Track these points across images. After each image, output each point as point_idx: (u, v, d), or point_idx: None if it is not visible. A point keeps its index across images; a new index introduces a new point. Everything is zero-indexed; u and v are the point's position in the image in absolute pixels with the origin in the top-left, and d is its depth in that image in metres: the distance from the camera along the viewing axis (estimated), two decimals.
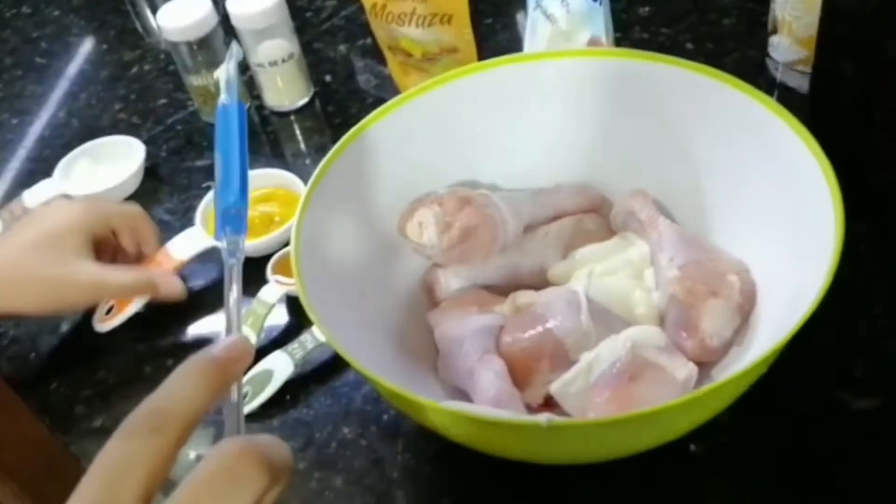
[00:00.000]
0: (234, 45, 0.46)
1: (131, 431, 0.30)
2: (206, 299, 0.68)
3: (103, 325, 0.66)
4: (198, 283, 0.69)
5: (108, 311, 0.66)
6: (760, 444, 0.52)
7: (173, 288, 0.64)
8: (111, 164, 0.81)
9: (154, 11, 1.06)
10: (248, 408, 0.59)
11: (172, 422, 0.31)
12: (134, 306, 0.65)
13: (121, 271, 0.63)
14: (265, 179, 0.73)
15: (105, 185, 0.77)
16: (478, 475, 0.53)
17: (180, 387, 0.32)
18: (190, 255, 0.68)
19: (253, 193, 0.68)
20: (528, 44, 0.69)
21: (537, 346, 0.51)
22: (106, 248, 0.64)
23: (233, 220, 0.40)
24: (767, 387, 0.46)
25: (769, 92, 0.75)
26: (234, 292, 0.38)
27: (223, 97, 0.43)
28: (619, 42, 0.83)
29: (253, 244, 0.67)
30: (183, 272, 0.67)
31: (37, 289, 0.60)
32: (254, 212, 0.69)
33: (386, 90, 0.83)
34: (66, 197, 0.69)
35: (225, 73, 0.44)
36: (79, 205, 0.64)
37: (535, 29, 0.69)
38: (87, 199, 0.65)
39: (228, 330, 0.37)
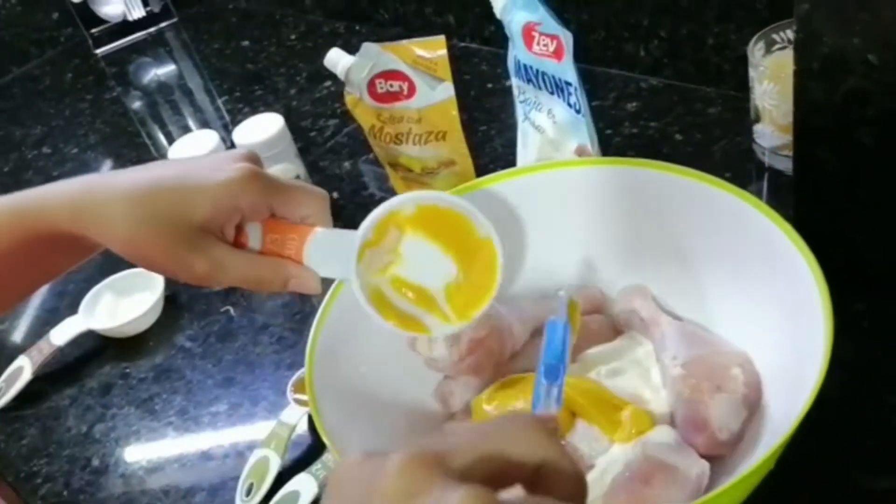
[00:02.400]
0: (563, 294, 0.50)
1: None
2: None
3: None
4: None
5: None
6: None
7: (307, 286, 0.51)
8: (133, 296, 0.84)
9: (169, 140, 1.12)
10: None
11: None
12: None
13: (249, 259, 0.51)
14: None
15: (127, 318, 0.80)
16: None
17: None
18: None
19: None
20: (521, 153, 0.73)
21: None
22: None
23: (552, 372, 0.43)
24: (784, 472, 0.47)
25: (758, 176, 0.78)
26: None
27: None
28: (609, 138, 0.87)
29: None
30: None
31: (150, 228, 0.49)
32: None
33: None
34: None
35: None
36: (239, 171, 0.50)
37: (525, 139, 0.72)
38: (246, 169, 0.50)
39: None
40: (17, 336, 0.87)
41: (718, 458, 0.52)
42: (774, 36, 0.74)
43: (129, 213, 0.49)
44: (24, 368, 0.79)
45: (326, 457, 0.62)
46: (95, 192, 0.51)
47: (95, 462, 0.71)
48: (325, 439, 0.48)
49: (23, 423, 0.76)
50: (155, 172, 0.52)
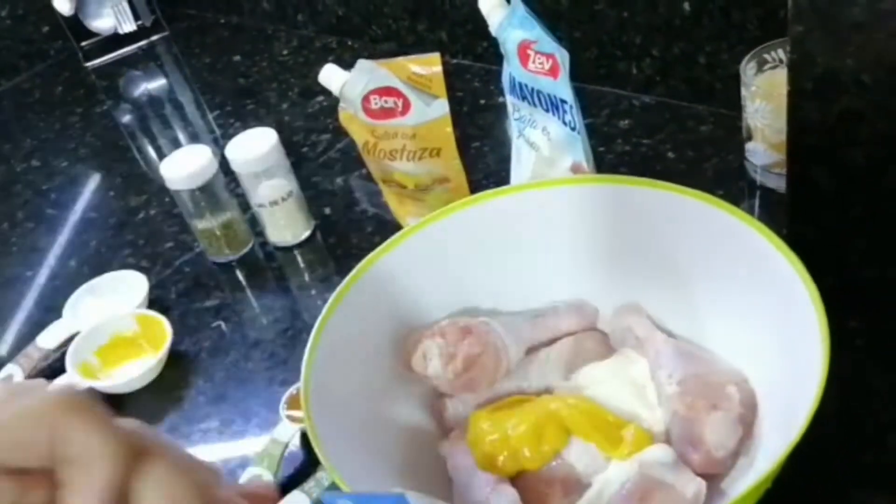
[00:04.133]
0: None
1: None
2: None
3: None
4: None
5: None
6: None
7: None
8: (115, 297, 0.84)
9: (159, 154, 1.12)
10: None
11: None
12: None
13: None
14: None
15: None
16: None
17: None
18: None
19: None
20: (515, 170, 0.73)
21: (549, 471, 0.53)
22: None
23: None
24: (781, 490, 0.47)
25: (751, 194, 0.79)
26: None
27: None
28: (602, 155, 0.87)
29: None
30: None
31: None
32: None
33: (384, 219, 0.87)
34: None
35: None
36: None
37: (519, 156, 0.73)
38: None
39: None
40: (3, 349, 0.86)
41: (714, 476, 0.52)
42: (766, 55, 0.74)
43: None
44: (13, 376, 0.78)
45: (319, 475, 0.62)
46: None
47: None
48: (320, 456, 0.48)
49: None
50: None
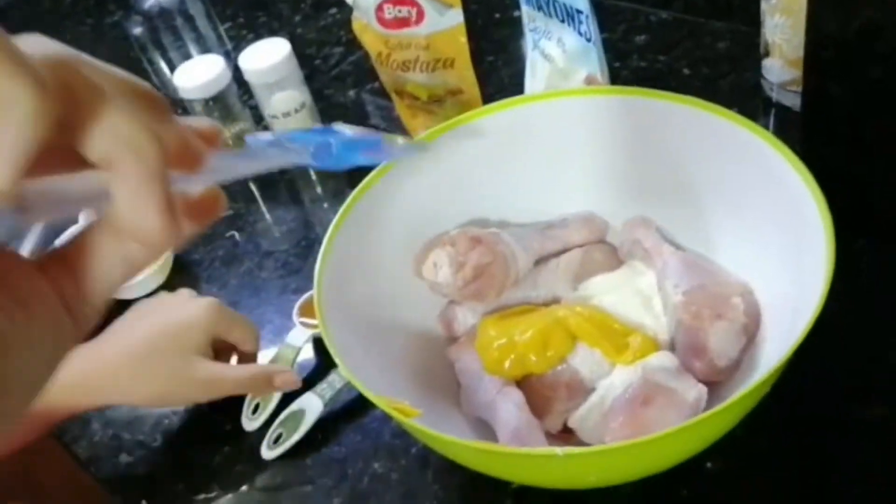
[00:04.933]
0: None
1: None
2: None
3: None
4: None
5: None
6: (775, 457, 0.54)
7: (289, 382, 0.63)
8: None
9: (170, 67, 1.11)
10: (282, 448, 0.61)
11: None
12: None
13: (238, 368, 0.64)
14: None
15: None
16: (504, 500, 0.55)
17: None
18: None
19: None
20: (529, 83, 0.72)
21: (554, 375, 0.54)
22: (222, 347, 0.64)
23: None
24: (779, 401, 0.48)
25: (765, 112, 0.78)
26: None
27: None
28: (618, 71, 0.86)
29: None
30: None
31: (155, 383, 0.60)
32: None
33: (396, 132, 0.87)
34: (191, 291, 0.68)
35: None
36: (205, 302, 0.63)
37: (534, 69, 0.72)
38: (210, 300, 0.63)
39: None
40: (25, 252, 0.88)
41: (716, 384, 0.53)
42: None
43: (142, 373, 0.60)
44: None
45: (332, 377, 0.64)
46: (93, 369, 0.60)
47: None
48: (335, 356, 0.49)
49: None
50: (141, 330, 0.62)
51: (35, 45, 0.24)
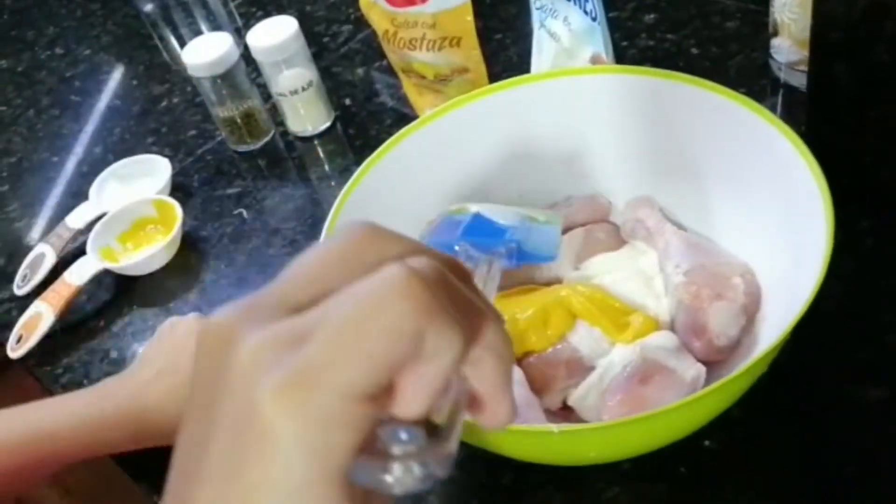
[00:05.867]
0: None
1: None
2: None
3: (14, 353, 0.73)
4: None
5: (18, 341, 0.74)
6: (773, 436, 0.55)
7: None
8: (139, 182, 0.86)
9: (181, 43, 1.11)
10: None
11: None
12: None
13: None
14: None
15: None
16: (504, 476, 0.56)
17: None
18: (84, 280, 0.76)
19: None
20: (535, 61, 0.72)
21: (554, 353, 0.55)
22: None
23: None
24: (777, 382, 0.49)
25: (773, 92, 0.78)
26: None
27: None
28: (625, 49, 0.86)
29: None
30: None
31: None
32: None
33: (403, 110, 0.87)
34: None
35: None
36: None
37: (540, 47, 0.72)
38: None
39: None
40: (36, 231, 0.89)
41: (715, 363, 0.54)
42: None
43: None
44: (45, 255, 0.81)
45: None
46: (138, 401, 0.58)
47: (113, 354, 0.73)
48: None
49: None
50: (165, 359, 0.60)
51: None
